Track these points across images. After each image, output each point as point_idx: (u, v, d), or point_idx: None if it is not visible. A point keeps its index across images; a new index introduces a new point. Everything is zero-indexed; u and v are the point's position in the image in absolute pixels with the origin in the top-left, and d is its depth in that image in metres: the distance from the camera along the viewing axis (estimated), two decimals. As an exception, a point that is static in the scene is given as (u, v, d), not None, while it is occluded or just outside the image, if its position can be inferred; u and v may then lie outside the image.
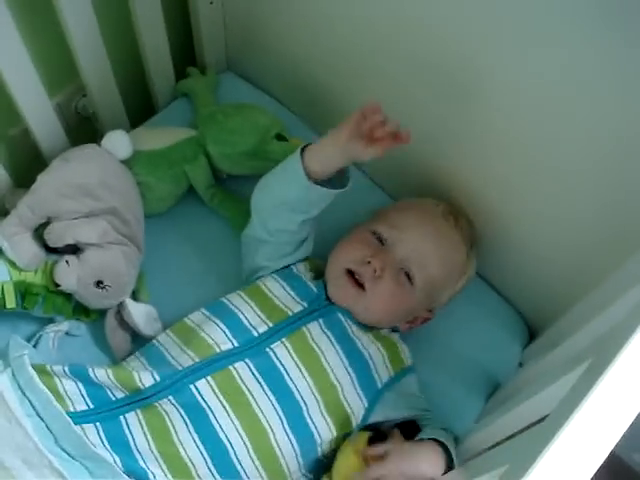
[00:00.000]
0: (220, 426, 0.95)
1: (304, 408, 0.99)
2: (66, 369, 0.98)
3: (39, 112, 1.17)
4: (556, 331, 1.09)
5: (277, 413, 0.97)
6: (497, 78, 0.97)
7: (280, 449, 0.97)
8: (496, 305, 1.27)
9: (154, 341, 1.08)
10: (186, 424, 0.95)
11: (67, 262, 1.06)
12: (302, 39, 1.27)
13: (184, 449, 0.94)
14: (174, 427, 0.95)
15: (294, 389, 0.99)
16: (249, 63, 1.43)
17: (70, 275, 1.06)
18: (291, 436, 0.98)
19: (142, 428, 0.94)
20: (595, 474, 0.54)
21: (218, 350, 1.00)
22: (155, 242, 1.18)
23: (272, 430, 0.97)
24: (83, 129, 1.33)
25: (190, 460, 0.94)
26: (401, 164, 1.22)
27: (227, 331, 1.02)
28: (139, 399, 0.96)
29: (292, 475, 0.99)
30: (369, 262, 1.03)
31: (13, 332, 1.09)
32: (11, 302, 1.03)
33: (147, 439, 0.94)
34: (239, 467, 0.95)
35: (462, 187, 1.17)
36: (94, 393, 0.96)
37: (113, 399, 0.96)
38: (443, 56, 1.02)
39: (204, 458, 0.94)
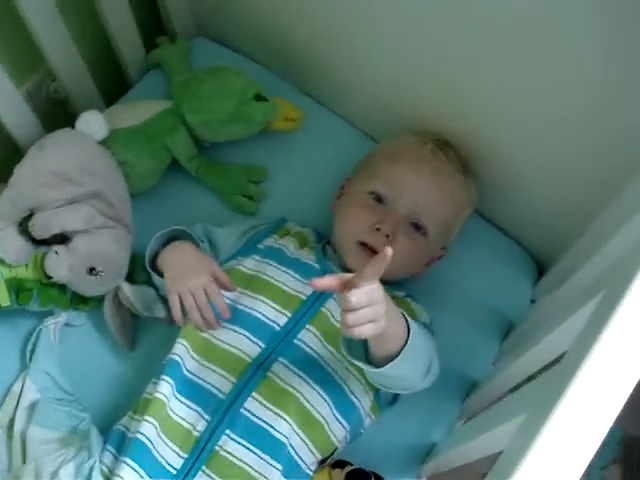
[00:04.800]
0: (281, 434, 0.92)
1: (346, 388, 0.96)
2: (127, 460, 0.90)
3: (8, 103, 1.14)
4: (564, 265, 1.08)
5: (325, 401, 0.95)
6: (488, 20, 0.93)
7: (335, 436, 0.96)
8: (503, 244, 1.25)
9: (174, 356, 0.99)
10: (253, 452, 0.91)
11: (56, 252, 1.03)
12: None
13: (260, 474, 0.90)
14: (247, 464, 0.90)
15: (332, 372, 0.96)
16: (220, 25, 1.39)
17: (61, 265, 1.03)
18: (342, 420, 0.96)
19: None
20: (612, 454, 0.52)
21: (249, 360, 0.96)
22: (144, 220, 1.15)
23: (325, 420, 0.94)
24: (57, 114, 1.29)
25: None
26: (385, 102, 1.19)
27: (248, 334, 0.98)
28: (198, 455, 0.91)
29: (338, 452, 0.99)
30: (378, 229, 1.01)
31: (12, 330, 1.09)
32: (5, 300, 1.01)
33: None
34: (302, 464, 0.93)
35: (456, 125, 1.13)
36: (155, 473, 0.91)
37: (174, 472, 0.91)
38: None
39: (277, 470, 0.91)
